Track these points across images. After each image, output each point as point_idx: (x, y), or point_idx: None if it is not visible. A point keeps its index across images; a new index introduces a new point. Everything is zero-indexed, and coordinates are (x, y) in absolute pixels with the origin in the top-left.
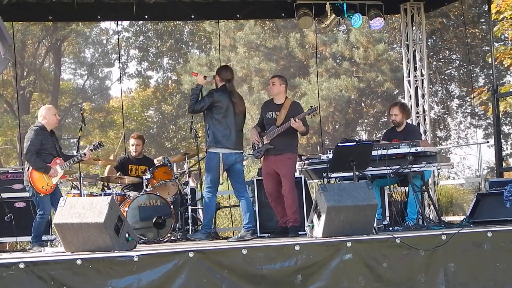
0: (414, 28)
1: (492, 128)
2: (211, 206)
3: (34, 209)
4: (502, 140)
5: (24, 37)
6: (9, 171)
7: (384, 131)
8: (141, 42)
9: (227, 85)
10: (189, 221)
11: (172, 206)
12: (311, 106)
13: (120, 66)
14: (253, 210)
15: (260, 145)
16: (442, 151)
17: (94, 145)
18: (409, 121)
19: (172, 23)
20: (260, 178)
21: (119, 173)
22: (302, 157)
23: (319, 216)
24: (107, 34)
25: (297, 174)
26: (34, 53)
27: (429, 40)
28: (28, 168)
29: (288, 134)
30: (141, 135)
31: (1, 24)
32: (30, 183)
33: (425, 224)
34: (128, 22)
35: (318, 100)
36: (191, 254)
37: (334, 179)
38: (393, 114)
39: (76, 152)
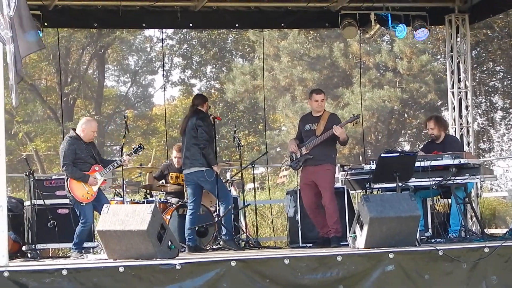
0: (458, 39)
1: None
2: (193, 220)
3: (77, 216)
4: None
5: (68, 43)
6: (53, 178)
7: (425, 142)
8: (185, 50)
9: None
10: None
11: (214, 215)
12: (353, 114)
13: (163, 74)
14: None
15: (298, 156)
16: (485, 163)
17: (133, 149)
18: (451, 131)
19: (216, 32)
20: None
21: (162, 181)
22: (345, 167)
23: (361, 227)
24: (151, 42)
25: (339, 185)
26: (78, 59)
27: (473, 51)
28: (67, 178)
29: (327, 145)
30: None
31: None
32: (70, 193)
33: (468, 236)
34: (172, 30)
35: (361, 110)
36: (233, 263)
37: (377, 190)
38: (429, 128)
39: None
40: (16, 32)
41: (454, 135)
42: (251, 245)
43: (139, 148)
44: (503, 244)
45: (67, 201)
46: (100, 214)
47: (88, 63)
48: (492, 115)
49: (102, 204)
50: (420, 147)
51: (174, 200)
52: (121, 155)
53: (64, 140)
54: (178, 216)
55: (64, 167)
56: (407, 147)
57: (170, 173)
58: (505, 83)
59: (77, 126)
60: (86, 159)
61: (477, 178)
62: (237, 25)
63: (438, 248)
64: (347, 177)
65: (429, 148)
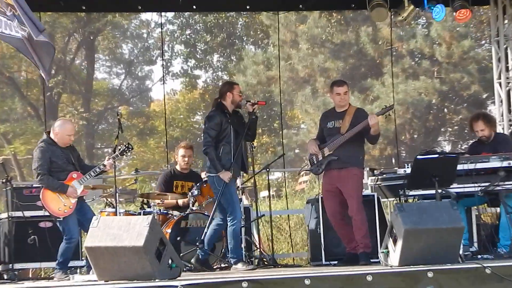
0: (506, 21)
1: None
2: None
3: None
4: None
5: (52, 30)
6: (33, 186)
7: (470, 142)
8: (188, 37)
9: None
10: (243, 244)
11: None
12: (385, 106)
13: (163, 64)
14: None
15: (320, 158)
16: None
17: (119, 150)
18: (498, 128)
19: (223, 15)
20: None
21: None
22: (375, 171)
23: (395, 241)
24: (149, 27)
25: (368, 192)
26: (64, 48)
27: None
28: (41, 189)
29: (353, 145)
30: (192, 145)
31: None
32: (44, 207)
33: None
34: (173, 13)
35: (393, 105)
36: (244, 284)
37: (413, 197)
38: (479, 130)
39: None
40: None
41: (503, 132)
42: (265, 263)
43: (126, 149)
44: None
45: None
46: (85, 230)
47: (75, 52)
48: None
49: (88, 218)
50: (466, 149)
51: (176, 211)
52: (114, 159)
53: (37, 146)
54: (180, 230)
55: (39, 176)
56: (447, 148)
57: (175, 182)
58: None
59: (51, 130)
60: (64, 166)
61: None
62: (248, 7)
63: (485, 265)
64: (377, 182)
65: (477, 150)
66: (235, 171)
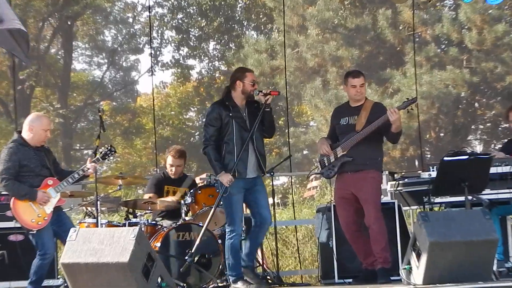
0: None
1: None
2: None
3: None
4: None
5: (24, 14)
6: (2, 193)
7: (505, 141)
8: (180, 21)
9: None
10: None
11: (220, 241)
12: (407, 98)
13: (151, 53)
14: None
15: (332, 159)
16: None
17: (101, 153)
18: None
19: None
20: None
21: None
22: (395, 175)
23: (418, 256)
24: (135, 10)
25: (388, 198)
26: (38, 35)
27: None
28: (11, 197)
29: (371, 144)
30: (183, 151)
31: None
32: (15, 217)
33: None
34: None
35: (416, 98)
36: None
37: (439, 205)
38: (511, 121)
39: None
40: None
41: None
42: (269, 281)
43: (108, 152)
44: None
45: None
46: (63, 242)
47: (50, 40)
48: None
49: (67, 228)
50: (498, 147)
51: (166, 222)
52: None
53: (5, 146)
54: (173, 242)
55: (3, 182)
56: (479, 148)
57: (166, 186)
58: None
59: (23, 127)
60: (37, 170)
61: None
62: None
63: None
64: (398, 188)
65: (510, 148)
66: (240, 173)
